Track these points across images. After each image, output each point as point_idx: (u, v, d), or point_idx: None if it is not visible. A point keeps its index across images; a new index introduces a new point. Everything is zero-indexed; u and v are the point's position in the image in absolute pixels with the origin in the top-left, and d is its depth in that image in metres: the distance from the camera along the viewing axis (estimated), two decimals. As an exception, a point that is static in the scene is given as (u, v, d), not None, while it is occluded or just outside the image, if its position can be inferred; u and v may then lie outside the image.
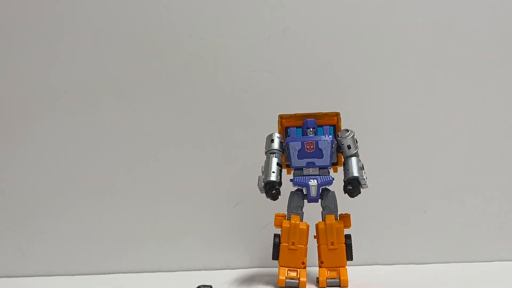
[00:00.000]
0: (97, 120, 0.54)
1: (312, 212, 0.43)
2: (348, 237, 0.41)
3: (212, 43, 0.55)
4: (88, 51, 0.54)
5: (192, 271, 0.54)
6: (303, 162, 0.41)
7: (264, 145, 0.44)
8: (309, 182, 0.41)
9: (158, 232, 0.54)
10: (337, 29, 0.55)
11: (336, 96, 0.55)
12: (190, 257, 0.54)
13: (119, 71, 0.54)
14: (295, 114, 0.43)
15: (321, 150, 0.41)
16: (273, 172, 0.41)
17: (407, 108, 0.55)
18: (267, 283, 0.44)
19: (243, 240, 0.54)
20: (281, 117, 0.44)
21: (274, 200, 0.41)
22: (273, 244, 0.41)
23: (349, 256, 0.40)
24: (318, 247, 0.41)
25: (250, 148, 0.51)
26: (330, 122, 0.43)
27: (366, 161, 0.44)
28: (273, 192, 0.41)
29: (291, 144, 0.42)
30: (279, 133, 0.43)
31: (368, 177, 0.42)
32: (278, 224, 0.41)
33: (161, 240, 0.54)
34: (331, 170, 0.43)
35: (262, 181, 0.41)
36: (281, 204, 0.43)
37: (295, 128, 0.43)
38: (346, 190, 0.40)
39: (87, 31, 0.55)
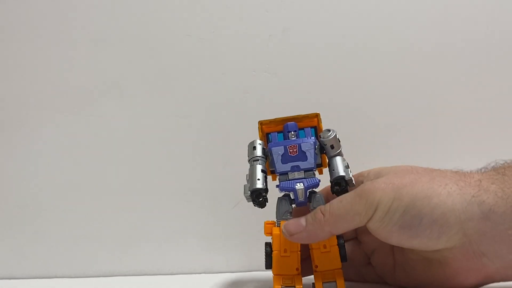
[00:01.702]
0: (97, 120, 0.54)
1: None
2: (340, 237, 0.39)
3: (212, 43, 0.55)
4: (88, 51, 0.55)
5: (192, 274, 0.54)
6: (287, 167, 0.40)
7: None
8: (296, 186, 0.39)
9: (158, 234, 0.54)
10: (337, 29, 0.55)
11: (337, 96, 0.54)
12: (190, 260, 0.54)
13: (119, 71, 0.55)
14: (275, 119, 0.42)
15: (305, 152, 0.40)
16: (258, 179, 0.40)
17: (411, 109, 0.54)
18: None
19: (243, 241, 0.54)
20: (261, 123, 0.42)
21: (261, 208, 0.40)
22: (265, 253, 0.40)
23: (343, 258, 0.39)
24: (311, 251, 0.40)
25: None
26: (310, 124, 0.42)
27: (356, 160, 0.43)
28: (260, 199, 0.40)
29: (274, 149, 0.40)
30: (260, 139, 0.42)
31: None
32: (268, 232, 0.40)
33: (161, 242, 0.54)
34: (316, 172, 0.42)
35: (248, 189, 0.40)
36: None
37: (276, 133, 0.42)
38: (333, 191, 0.39)
39: (87, 31, 0.55)
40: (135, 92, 0.55)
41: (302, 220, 0.38)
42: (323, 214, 0.37)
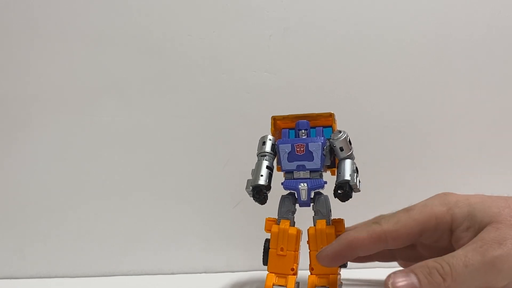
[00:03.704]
0: (97, 120, 0.54)
1: (309, 216, 0.42)
2: None
3: (213, 43, 0.55)
4: (89, 50, 0.55)
5: (193, 274, 0.54)
6: (293, 165, 0.40)
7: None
8: (299, 186, 0.39)
9: (159, 234, 0.54)
10: (337, 29, 0.55)
11: (337, 97, 0.54)
12: (190, 259, 0.54)
13: (119, 71, 0.55)
14: (289, 115, 0.42)
15: (312, 152, 0.39)
16: (262, 175, 0.40)
17: (411, 109, 0.54)
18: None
19: (243, 241, 0.54)
20: (274, 118, 0.42)
21: (261, 204, 0.40)
22: (263, 249, 0.40)
23: (343, 264, 0.38)
24: (309, 253, 0.39)
25: (251, 148, 0.50)
26: (326, 123, 0.42)
27: (365, 163, 0.43)
28: (260, 196, 0.39)
29: (281, 146, 0.40)
30: (272, 135, 0.42)
31: (365, 180, 0.41)
32: (268, 229, 0.40)
33: (161, 242, 0.54)
34: (328, 173, 0.42)
35: (250, 184, 0.40)
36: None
37: (288, 130, 0.42)
38: (336, 195, 0.39)
39: (88, 31, 0.55)
40: (135, 92, 0.55)
41: (414, 279, 0.32)
42: (443, 278, 0.32)
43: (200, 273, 0.54)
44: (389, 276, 0.33)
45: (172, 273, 0.54)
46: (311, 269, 0.39)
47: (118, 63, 0.55)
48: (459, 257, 0.33)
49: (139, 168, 0.54)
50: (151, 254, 0.54)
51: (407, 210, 0.38)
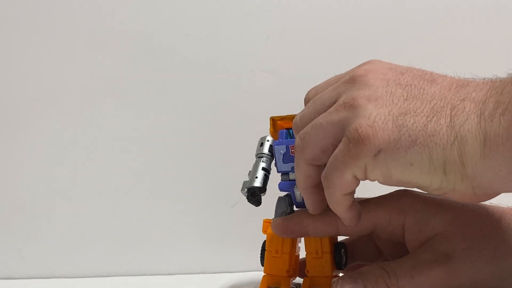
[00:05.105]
0: (95, 120, 0.54)
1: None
2: (339, 245, 0.39)
3: (210, 43, 0.54)
4: (86, 50, 0.54)
5: (190, 274, 0.53)
6: (288, 167, 0.39)
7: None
8: (293, 188, 0.39)
9: (156, 234, 0.54)
10: (336, 28, 0.54)
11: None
12: (188, 259, 0.54)
13: (117, 71, 0.54)
14: (287, 115, 0.41)
15: None
16: (256, 177, 0.39)
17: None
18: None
19: (241, 241, 0.54)
20: (272, 119, 0.42)
21: (256, 206, 0.40)
22: (261, 250, 0.40)
23: (338, 265, 0.38)
24: (305, 255, 0.39)
25: (249, 147, 0.50)
26: None
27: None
28: (254, 198, 0.39)
29: (276, 147, 0.39)
30: (271, 136, 0.42)
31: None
32: (265, 230, 0.40)
33: (159, 242, 0.54)
34: None
35: (245, 186, 0.40)
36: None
37: (285, 130, 0.41)
38: None
39: (85, 30, 0.54)
40: (132, 92, 0.54)
41: (361, 286, 0.33)
42: None
43: (198, 273, 0.54)
44: (337, 282, 0.33)
45: (169, 274, 0.54)
46: (306, 271, 0.39)
47: (115, 63, 0.54)
48: (406, 267, 0.33)
49: (137, 168, 0.54)
50: (148, 254, 0.54)
51: (364, 201, 0.38)
